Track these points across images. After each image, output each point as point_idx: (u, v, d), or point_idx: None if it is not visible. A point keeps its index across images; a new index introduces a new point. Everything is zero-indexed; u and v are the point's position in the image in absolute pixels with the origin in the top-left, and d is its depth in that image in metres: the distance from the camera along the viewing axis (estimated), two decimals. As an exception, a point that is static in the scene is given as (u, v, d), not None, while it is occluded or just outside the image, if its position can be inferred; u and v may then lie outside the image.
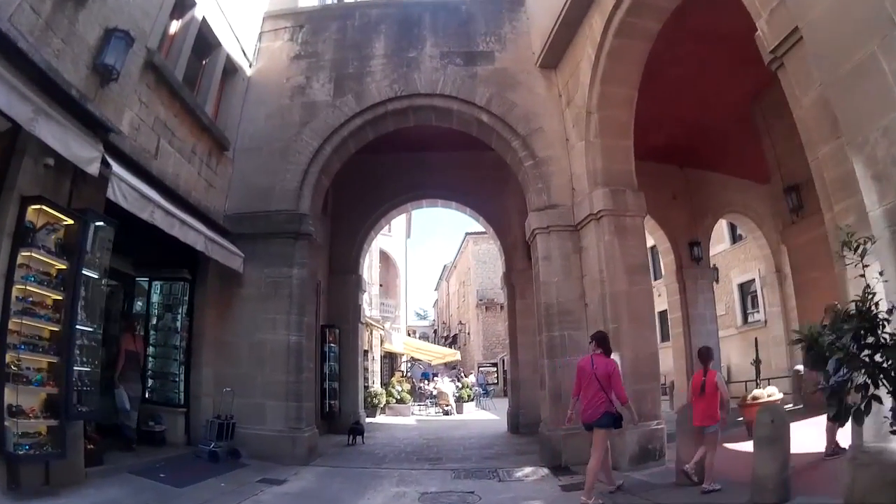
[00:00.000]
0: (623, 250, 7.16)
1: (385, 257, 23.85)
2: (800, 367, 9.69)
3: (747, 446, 5.39)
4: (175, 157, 7.08)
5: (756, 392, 7.95)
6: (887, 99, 2.89)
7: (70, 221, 4.97)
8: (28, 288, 4.53)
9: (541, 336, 7.94)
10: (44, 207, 4.66)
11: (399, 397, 17.13)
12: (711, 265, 13.97)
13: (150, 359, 7.89)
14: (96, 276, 5.34)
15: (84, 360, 5.11)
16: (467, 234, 36.29)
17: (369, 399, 15.21)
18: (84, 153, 4.75)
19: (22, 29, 4.28)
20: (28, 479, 4.41)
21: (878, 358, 2.19)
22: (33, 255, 4.58)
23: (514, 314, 12.18)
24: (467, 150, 10.90)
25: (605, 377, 5.20)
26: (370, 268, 18.55)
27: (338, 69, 9.12)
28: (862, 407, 2.17)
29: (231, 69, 8.75)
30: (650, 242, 12.13)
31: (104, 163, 4.99)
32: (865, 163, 3.06)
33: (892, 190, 2.87)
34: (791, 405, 9.03)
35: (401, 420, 15.46)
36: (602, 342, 5.50)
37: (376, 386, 17.32)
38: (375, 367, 18.60)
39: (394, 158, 11.73)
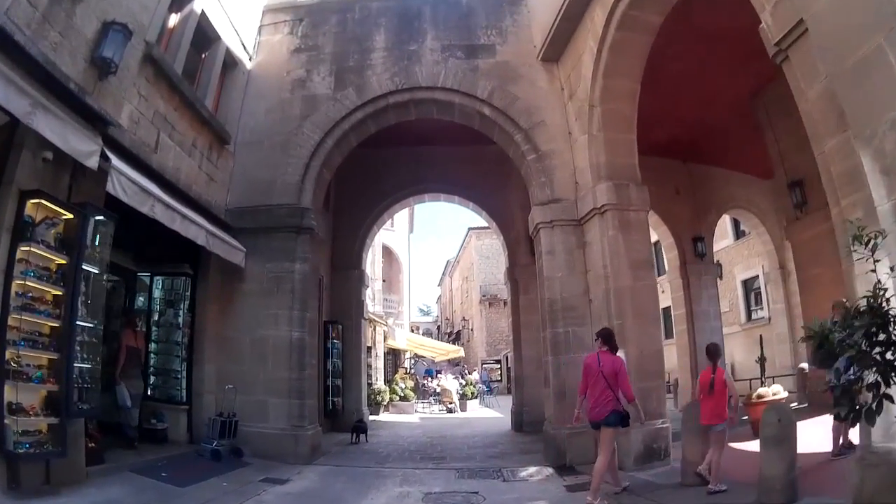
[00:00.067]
0: (627, 245, 7.09)
1: (388, 252, 23.77)
2: (804, 365, 9.65)
3: (752, 446, 5.34)
4: (175, 150, 7.04)
5: (761, 390, 7.91)
6: (895, 91, 2.84)
7: (69, 216, 4.92)
8: (28, 283, 4.49)
9: (544, 332, 7.89)
10: (43, 201, 4.61)
11: (403, 395, 17.09)
12: (715, 261, 13.86)
13: (152, 355, 7.86)
14: (97, 271, 5.30)
15: (85, 356, 5.07)
16: (470, 229, 36.09)
17: (373, 396, 15.11)
18: (83, 147, 4.70)
19: (19, 22, 4.24)
20: (28, 478, 4.37)
21: (889, 356, 2.14)
22: (33, 249, 4.53)
23: (518, 310, 12.07)
24: (469, 145, 10.84)
25: (611, 375, 5.13)
26: (373, 263, 18.45)
27: (338, 62, 9.07)
28: (873, 406, 2.12)
29: (231, 63, 8.71)
30: (653, 238, 12.07)
31: (103, 156, 4.93)
32: (873, 156, 3.01)
33: (902, 184, 2.81)
34: (796, 403, 8.98)
35: (404, 418, 15.43)
36: (608, 339, 5.43)
37: (380, 383, 17.23)
38: (379, 363, 18.50)
39: (395, 153, 11.69)
